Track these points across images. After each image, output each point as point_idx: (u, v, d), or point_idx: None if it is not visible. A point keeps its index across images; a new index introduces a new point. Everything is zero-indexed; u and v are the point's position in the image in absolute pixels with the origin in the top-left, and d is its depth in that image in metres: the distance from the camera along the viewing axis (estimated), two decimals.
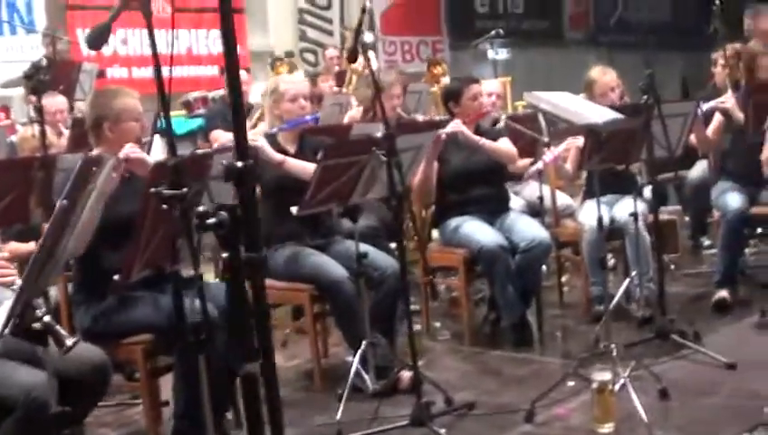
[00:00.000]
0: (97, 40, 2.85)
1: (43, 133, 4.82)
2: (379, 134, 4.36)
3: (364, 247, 4.88)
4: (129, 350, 4.17)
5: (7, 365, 3.32)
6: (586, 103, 5.04)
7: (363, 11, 4.34)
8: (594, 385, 4.23)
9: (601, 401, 4.23)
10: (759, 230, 6.55)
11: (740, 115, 5.98)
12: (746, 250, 6.61)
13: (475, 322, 6.07)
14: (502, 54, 12.05)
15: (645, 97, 4.97)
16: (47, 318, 2.94)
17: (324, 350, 5.62)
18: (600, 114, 4.79)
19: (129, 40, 11.24)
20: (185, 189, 2.61)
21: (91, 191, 2.85)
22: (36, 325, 2.91)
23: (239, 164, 1.87)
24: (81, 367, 3.44)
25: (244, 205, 1.84)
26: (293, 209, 4.60)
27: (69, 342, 2.96)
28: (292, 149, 5.28)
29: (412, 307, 5.61)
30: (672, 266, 6.97)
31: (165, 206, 2.71)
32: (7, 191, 4.49)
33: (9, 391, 3.21)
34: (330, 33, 13.32)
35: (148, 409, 4.29)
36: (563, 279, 6.77)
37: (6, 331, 2.81)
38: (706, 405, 4.48)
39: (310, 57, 13.13)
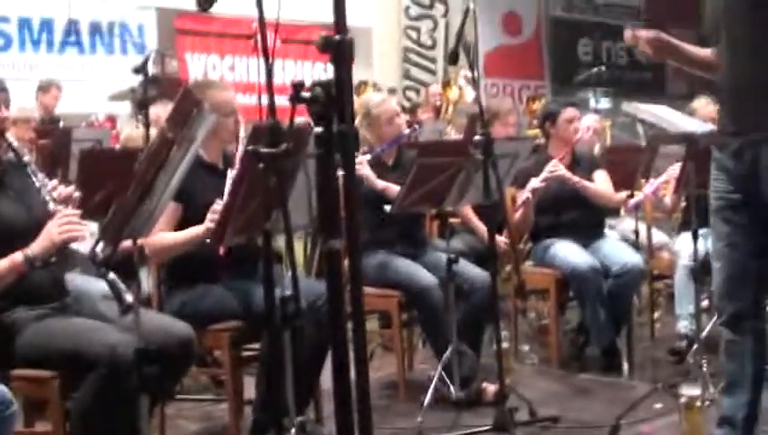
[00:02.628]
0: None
1: (146, 127, 4.91)
2: (476, 137, 4.35)
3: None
4: (217, 336, 4.17)
5: (95, 323, 3.37)
6: (685, 117, 4.99)
7: (466, 13, 4.33)
8: (682, 400, 4.13)
9: (689, 418, 4.12)
10: None
11: None
12: None
13: (564, 347, 5.99)
14: (603, 104, 11.99)
15: None
16: (110, 275, 2.95)
17: (410, 364, 5.60)
18: (699, 126, 4.74)
19: (236, 66, 11.49)
20: (282, 146, 2.61)
21: (191, 141, 2.87)
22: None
23: (337, 37, 1.87)
24: (166, 338, 3.43)
25: (338, 81, 1.83)
26: (387, 207, 4.62)
27: (128, 299, 2.97)
28: (390, 161, 5.34)
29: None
30: None
31: (260, 164, 2.72)
32: (105, 183, 4.57)
33: (93, 348, 3.22)
34: (433, 73, 13.39)
35: (231, 399, 4.28)
36: (656, 315, 6.64)
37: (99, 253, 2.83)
38: None
39: (412, 95, 13.22)
